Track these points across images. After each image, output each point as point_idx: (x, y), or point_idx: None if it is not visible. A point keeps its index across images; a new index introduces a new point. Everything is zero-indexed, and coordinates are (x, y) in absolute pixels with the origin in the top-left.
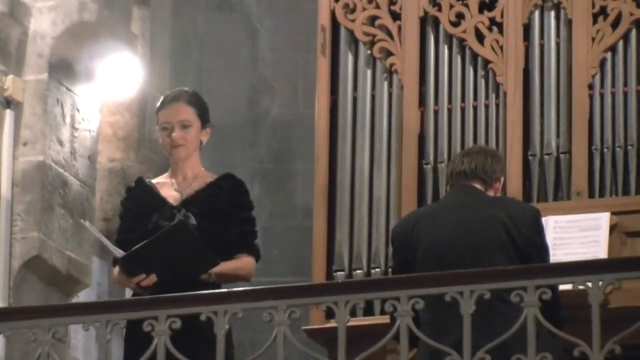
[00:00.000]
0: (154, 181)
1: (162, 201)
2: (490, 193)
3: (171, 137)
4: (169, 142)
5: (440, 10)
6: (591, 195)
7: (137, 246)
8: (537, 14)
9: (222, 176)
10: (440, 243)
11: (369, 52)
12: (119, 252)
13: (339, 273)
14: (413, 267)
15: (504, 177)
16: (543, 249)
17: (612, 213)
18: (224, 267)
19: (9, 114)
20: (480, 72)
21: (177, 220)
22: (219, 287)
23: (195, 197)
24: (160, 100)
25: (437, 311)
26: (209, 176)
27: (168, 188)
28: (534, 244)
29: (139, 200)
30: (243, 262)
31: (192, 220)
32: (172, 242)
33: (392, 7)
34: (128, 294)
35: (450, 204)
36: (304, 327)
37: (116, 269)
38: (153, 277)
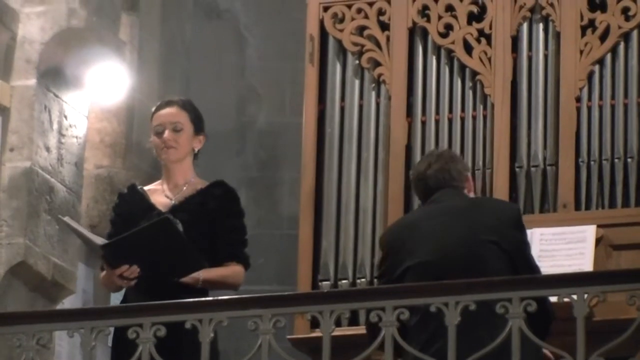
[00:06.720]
0: (145, 188)
1: (151, 207)
2: (470, 194)
3: (162, 139)
4: (160, 144)
5: (429, 21)
6: (577, 207)
7: (120, 236)
8: (525, 26)
9: (213, 183)
10: (430, 256)
11: (357, 62)
12: (101, 241)
13: (324, 282)
14: (402, 277)
15: (469, 172)
16: (525, 245)
17: (598, 226)
18: (213, 273)
19: None
20: (468, 84)
21: (162, 216)
22: (207, 293)
23: (184, 204)
24: (155, 106)
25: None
26: (200, 183)
27: (159, 195)
28: (517, 241)
29: (129, 206)
30: (232, 270)
31: (179, 227)
32: (157, 237)
33: (381, 18)
34: (113, 301)
35: (437, 211)
36: (288, 337)
37: (103, 273)
38: (135, 269)
